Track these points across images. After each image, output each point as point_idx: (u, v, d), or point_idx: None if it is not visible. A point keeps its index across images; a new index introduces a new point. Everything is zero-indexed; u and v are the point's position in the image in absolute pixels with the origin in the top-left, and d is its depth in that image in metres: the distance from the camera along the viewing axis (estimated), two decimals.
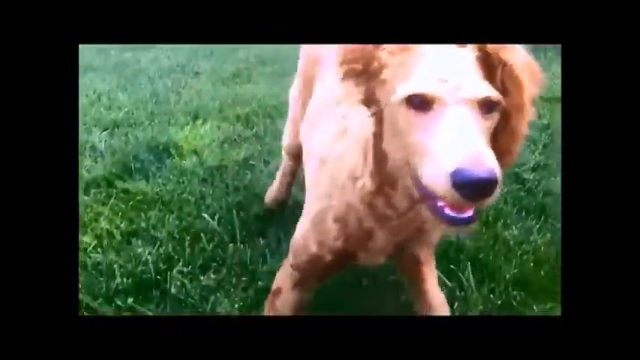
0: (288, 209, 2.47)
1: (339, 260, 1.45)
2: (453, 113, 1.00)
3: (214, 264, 2.13)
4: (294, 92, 2.14)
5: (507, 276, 2.07)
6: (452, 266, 2.09)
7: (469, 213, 1.01)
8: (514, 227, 2.35)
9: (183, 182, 2.76)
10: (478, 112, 1.02)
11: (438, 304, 1.68)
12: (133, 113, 3.83)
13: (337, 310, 1.85)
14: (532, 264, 2.15)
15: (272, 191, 2.48)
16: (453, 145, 0.95)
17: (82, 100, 3.95)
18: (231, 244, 2.22)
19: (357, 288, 2.02)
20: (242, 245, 2.22)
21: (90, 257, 2.17)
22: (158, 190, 2.68)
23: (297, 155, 1.93)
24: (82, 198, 2.56)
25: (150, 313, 1.91)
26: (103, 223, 2.39)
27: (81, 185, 2.67)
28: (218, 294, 1.98)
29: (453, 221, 1.02)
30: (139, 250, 2.20)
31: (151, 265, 2.10)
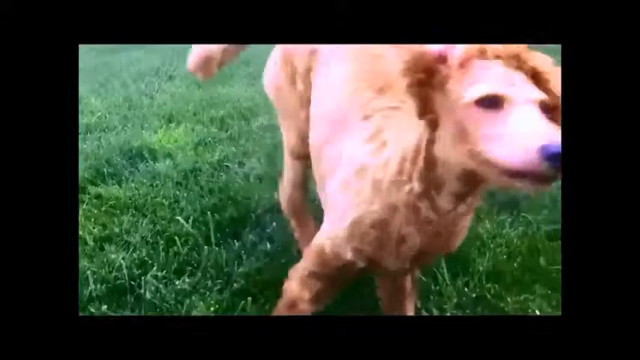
0: (262, 210, 2.47)
1: (369, 267, 1.46)
2: (523, 109, 1.11)
3: (189, 267, 2.12)
4: (278, 82, 1.90)
5: (481, 269, 2.09)
6: None
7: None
8: (487, 221, 2.38)
9: (157, 186, 2.74)
10: (540, 111, 1.13)
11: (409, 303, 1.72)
12: (105, 117, 3.79)
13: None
14: (505, 257, 2.18)
15: (289, 199, 2.11)
16: (534, 126, 1.09)
17: None
18: (205, 247, 2.21)
19: None
20: (217, 248, 2.21)
21: None
22: (131, 194, 2.65)
23: (304, 156, 1.83)
24: None
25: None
26: None
27: None
28: (193, 297, 1.96)
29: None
30: (113, 256, 2.17)
31: (125, 271, 2.07)
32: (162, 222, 2.40)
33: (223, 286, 2.02)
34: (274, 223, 2.36)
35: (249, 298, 1.91)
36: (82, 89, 4.55)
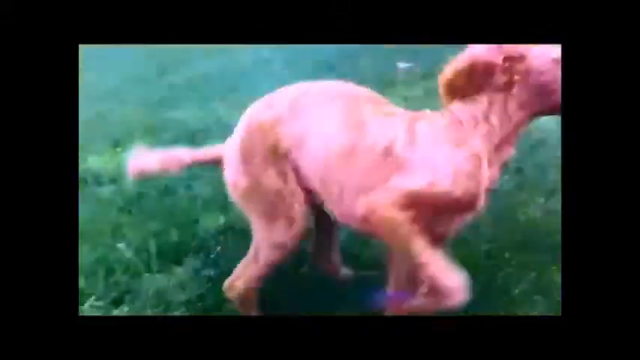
0: (207, 234, 2.44)
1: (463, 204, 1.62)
2: None
3: (128, 296, 2.07)
4: (245, 183, 1.77)
5: None
6: None
7: None
8: None
9: (100, 212, 2.68)
10: None
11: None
12: None
13: None
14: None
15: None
16: None
17: None
18: (146, 274, 2.17)
19: None
20: (158, 274, 2.18)
21: None
22: None
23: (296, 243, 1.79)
24: None
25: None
26: None
27: None
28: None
29: None
30: None
31: None
32: (103, 249, 2.34)
33: (163, 313, 1.99)
34: (219, 248, 2.34)
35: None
36: None
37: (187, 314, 1.91)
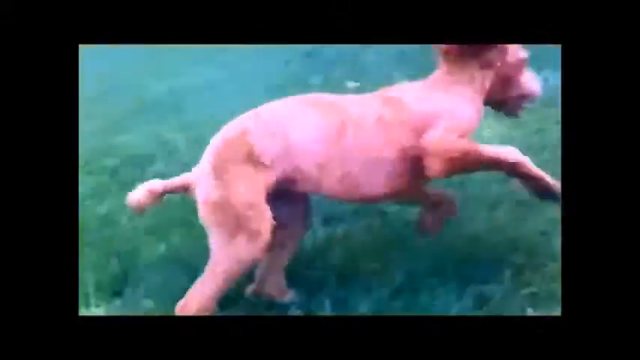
0: (148, 264, 2.38)
1: None
2: None
3: None
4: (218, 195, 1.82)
5: None
6: None
7: None
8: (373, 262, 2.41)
9: None
10: None
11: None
12: None
13: None
14: None
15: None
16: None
17: None
18: (83, 308, 2.09)
19: None
20: (96, 308, 2.11)
21: None
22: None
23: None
24: None
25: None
26: None
27: None
28: None
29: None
30: None
31: None
32: None
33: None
34: (160, 278, 2.28)
35: None
36: None
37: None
